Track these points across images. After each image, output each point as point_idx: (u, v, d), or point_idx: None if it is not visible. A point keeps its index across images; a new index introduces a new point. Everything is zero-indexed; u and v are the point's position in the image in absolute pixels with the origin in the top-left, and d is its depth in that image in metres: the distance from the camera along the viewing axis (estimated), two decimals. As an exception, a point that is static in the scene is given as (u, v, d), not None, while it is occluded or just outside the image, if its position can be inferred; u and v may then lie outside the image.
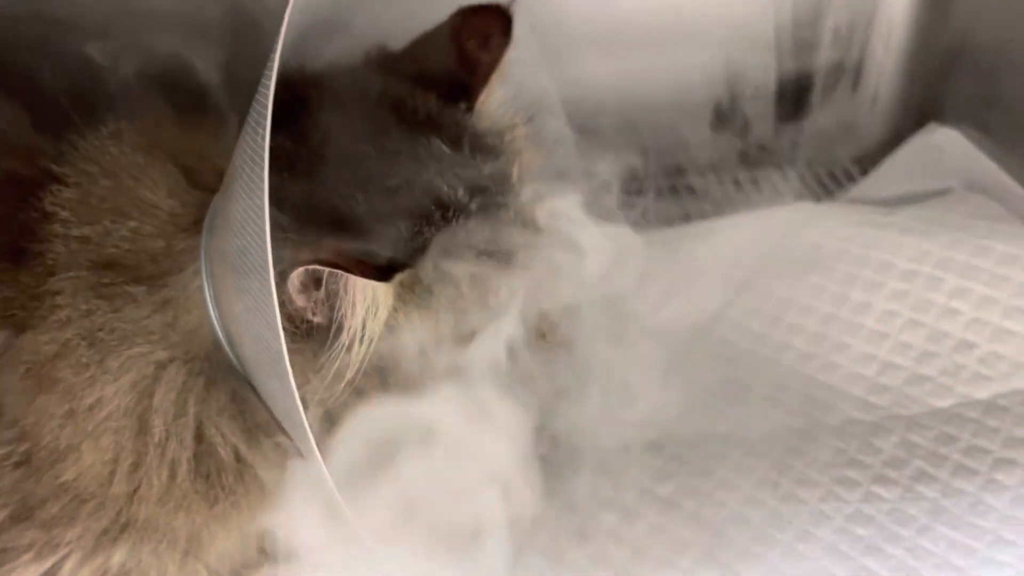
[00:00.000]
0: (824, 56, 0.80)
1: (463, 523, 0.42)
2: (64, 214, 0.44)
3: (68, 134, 0.47)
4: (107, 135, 0.47)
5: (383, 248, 0.39)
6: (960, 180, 0.73)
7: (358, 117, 0.43)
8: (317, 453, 0.37)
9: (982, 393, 0.59)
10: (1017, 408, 0.58)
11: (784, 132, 0.83)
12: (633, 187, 0.59)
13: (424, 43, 0.47)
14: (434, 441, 0.40)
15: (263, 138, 0.33)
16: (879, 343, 0.64)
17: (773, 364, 0.64)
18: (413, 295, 0.40)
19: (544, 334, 0.46)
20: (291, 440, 0.43)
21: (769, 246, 0.71)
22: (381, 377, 0.41)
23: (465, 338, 0.41)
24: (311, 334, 0.40)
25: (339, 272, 0.38)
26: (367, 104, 0.44)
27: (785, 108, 0.82)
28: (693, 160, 0.82)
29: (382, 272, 0.38)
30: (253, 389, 0.44)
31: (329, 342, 0.39)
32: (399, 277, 0.39)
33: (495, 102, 0.46)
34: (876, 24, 0.80)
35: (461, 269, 0.40)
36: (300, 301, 0.39)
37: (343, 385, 0.40)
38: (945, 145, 0.75)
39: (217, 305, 0.42)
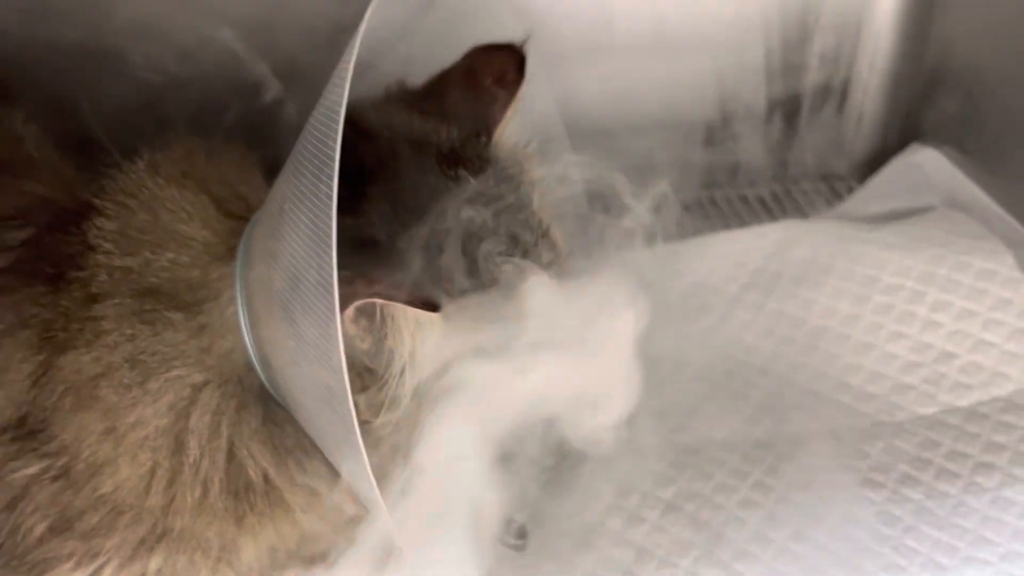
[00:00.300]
0: (812, 78, 0.81)
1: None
2: (107, 246, 0.45)
3: (106, 166, 0.48)
4: (143, 168, 0.48)
5: (425, 277, 0.39)
6: (941, 198, 0.74)
7: (389, 152, 0.44)
8: (374, 480, 0.37)
9: (963, 401, 0.61)
10: (996, 415, 0.59)
11: (773, 151, 0.83)
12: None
13: (442, 79, 0.49)
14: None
15: (328, 187, 0.33)
16: (866, 353, 0.64)
17: (766, 374, 0.65)
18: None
19: None
20: (326, 464, 0.44)
21: (761, 261, 0.72)
22: (418, 400, 0.42)
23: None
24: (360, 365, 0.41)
25: (390, 303, 0.38)
26: (395, 139, 0.45)
27: (775, 128, 0.82)
28: (686, 178, 0.82)
29: (432, 304, 0.39)
30: (283, 409, 0.45)
31: (381, 371, 0.40)
32: (448, 307, 0.39)
33: (510, 135, 0.47)
34: (861, 48, 0.80)
35: (491, 293, 0.41)
36: (352, 330, 0.39)
37: (396, 412, 0.41)
38: (927, 165, 0.75)
39: (252, 330, 0.43)
